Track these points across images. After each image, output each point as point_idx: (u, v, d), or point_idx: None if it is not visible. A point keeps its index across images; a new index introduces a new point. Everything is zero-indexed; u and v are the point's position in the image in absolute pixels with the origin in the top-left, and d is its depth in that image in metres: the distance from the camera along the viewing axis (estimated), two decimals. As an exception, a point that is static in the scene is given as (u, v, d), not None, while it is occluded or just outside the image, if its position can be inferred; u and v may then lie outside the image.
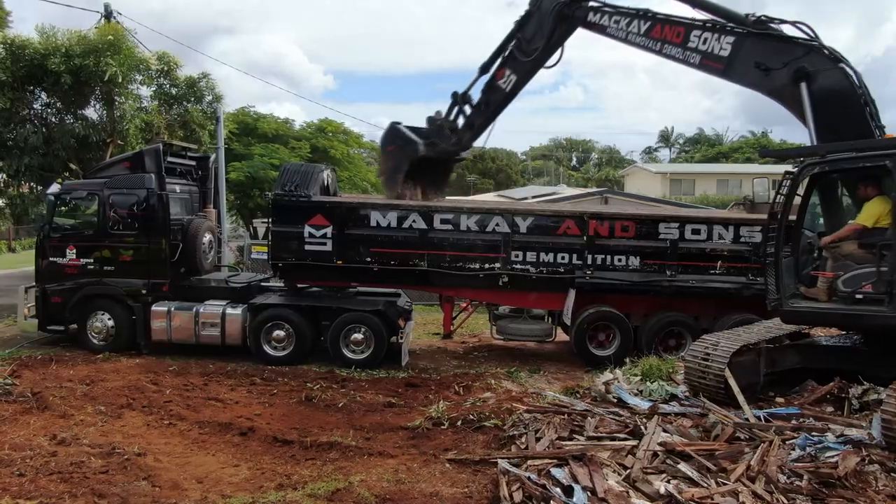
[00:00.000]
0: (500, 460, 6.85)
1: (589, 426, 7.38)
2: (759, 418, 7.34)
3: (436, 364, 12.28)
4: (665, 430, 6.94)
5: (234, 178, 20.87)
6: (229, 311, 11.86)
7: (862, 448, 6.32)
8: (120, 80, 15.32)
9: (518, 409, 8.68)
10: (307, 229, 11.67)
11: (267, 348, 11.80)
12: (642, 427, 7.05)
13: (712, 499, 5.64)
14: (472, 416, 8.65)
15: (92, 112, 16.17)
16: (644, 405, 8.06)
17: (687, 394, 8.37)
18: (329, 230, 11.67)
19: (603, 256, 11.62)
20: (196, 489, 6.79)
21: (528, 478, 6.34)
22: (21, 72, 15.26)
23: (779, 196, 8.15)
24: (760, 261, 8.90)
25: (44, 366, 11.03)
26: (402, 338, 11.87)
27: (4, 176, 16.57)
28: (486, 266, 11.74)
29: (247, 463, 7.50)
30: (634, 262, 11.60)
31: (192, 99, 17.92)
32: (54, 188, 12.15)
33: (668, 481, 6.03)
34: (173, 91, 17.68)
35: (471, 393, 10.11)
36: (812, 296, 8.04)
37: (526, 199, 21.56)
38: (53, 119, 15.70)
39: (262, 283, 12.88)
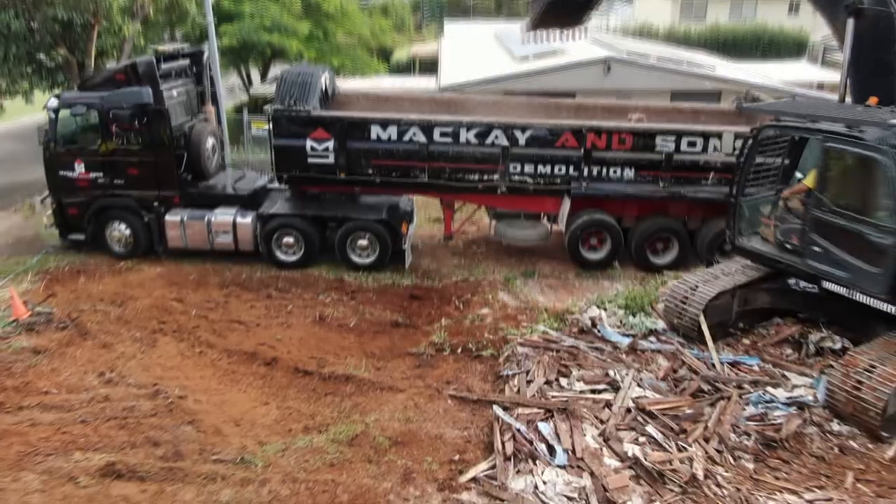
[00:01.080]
0: (494, 406, 7.96)
1: (574, 373, 8.39)
2: (724, 364, 8.34)
3: (437, 264, 13.12)
4: (639, 384, 7.94)
5: (227, 43, 20.02)
6: (240, 219, 12.42)
7: (806, 409, 7.35)
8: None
9: (512, 336, 9.68)
10: (309, 143, 11.83)
11: (278, 253, 12.56)
12: (619, 379, 8.04)
13: (671, 463, 6.75)
14: (470, 345, 9.66)
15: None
16: (625, 341, 9.02)
17: (665, 328, 9.31)
18: (331, 143, 11.83)
19: (599, 168, 11.90)
20: (235, 434, 7.93)
21: (518, 430, 7.44)
22: None
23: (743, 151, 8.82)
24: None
25: (73, 280, 11.89)
26: (405, 242, 12.58)
27: None
28: (485, 177, 12.08)
29: (275, 400, 8.62)
30: (629, 173, 11.91)
31: None
32: (52, 102, 12.01)
33: (637, 440, 7.14)
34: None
35: (469, 308, 11.07)
36: (765, 237, 8.83)
37: (527, 57, 20.87)
38: (32, 4, 14.82)
39: (268, 186, 13.27)
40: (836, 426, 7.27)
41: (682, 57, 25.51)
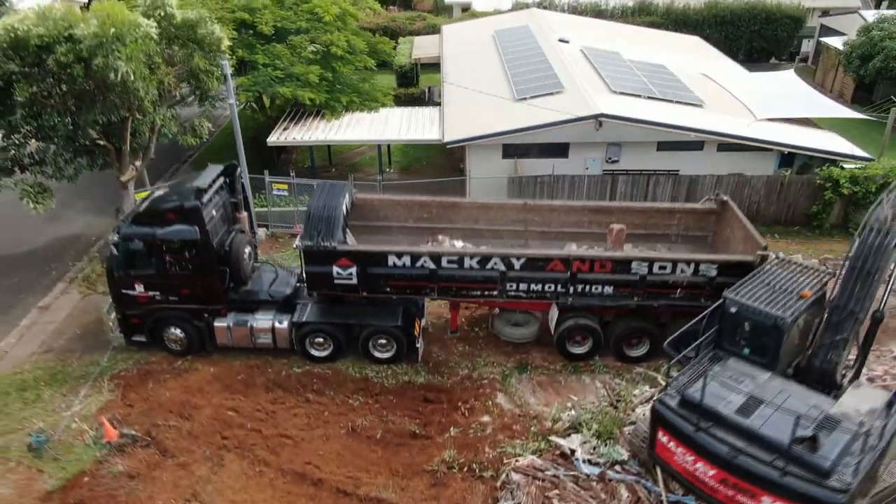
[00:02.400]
0: None
1: (558, 500, 10.86)
2: (669, 502, 10.78)
3: (445, 353, 15.37)
4: None
5: (245, 98, 21.29)
6: (277, 325, 14.61)
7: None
8: (132, 78, 15.55)
9: (508, 454, 12.13)
10: (335, 269, 13.84)
11: (311, 350, 14.80)
12: None
13: None
14: (474, 465, 12.10)
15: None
16: (595, 472, 11.45)
17: (628, 457, 11.70)
18: (354, 269, 13.84)
19: (583, 286, 13.93)
20: None
21: None
22: (31, 58, 15.43)
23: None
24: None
25: (143, 384, 14.20)
26: (418, 341, 14.79)
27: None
28: (486, 292, 14.17)
29: None
30: (609, 290, 13.96)
31: (193, 44, 17.92)
32: (114, 238, 13.89)
33: None
34: (174, 37, 17.65)
35: (473, 415, 13.44)
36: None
37: (525, 97, 22.23)
38: (73, 107, 16.20)
39: (298, 285, 15.25)
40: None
41: (656, 62, 26.62)
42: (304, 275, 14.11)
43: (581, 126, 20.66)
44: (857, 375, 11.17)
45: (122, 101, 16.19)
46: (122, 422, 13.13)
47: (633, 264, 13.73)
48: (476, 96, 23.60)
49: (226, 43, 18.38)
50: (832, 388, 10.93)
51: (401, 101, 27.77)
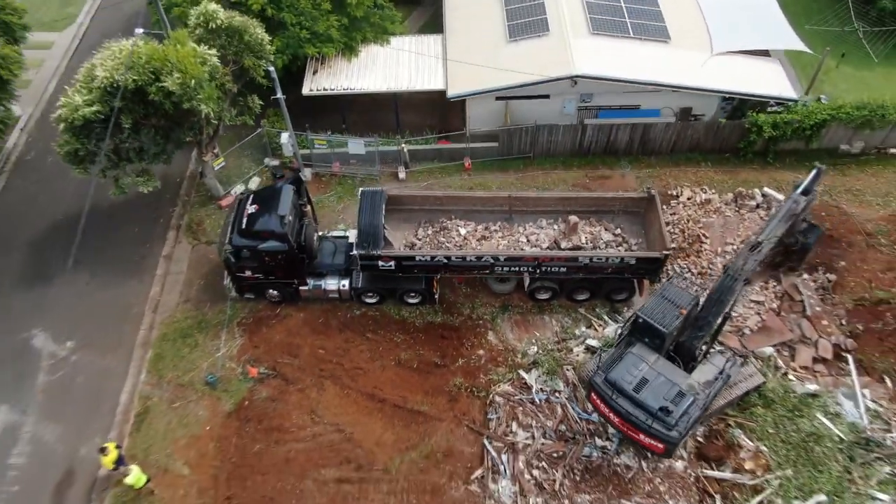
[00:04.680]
0: (484, 438, 19.07)
1: (519, 419, 19.24)
2: (582, 420, 19.09)
3: (454, 296, 22.61)
4: (544, 434, 18.87)
5: (281, 63, 24.76)
6: (341, 287, 21.71)
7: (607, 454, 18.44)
8: (212, 115, 19.85)
9: (495, 380, 20.21)
10: (380, 263, 20.50)
11: (365, 299, 22.10)
12: (536, 427, 18.96)
13: (554, 480, 18.15)
14: (473, 389, 20.23)
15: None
16: (543, 398, 19.64)
17: (563, 387, 19.76)
18: (392, 264, 20.52)
19: (547, 268, 20.67)
20: (379, 452, 19.22)
21: (493, 456, 18.76)
22: (129, 96, 19.69)
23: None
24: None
25: (259, 329, 21.78)
26: (435, 292, 21.97)
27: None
28: (481, 273, 21.00)
29: (391, 429, 19.68)
30: (563, 269, 20.72)
31: (239, 44, 21.66)
32: (228, 247, 20.10)
33: (538, 466, 18.44)
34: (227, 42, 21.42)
35: (472, 350, 21.22)
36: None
37: (517, 39, 25.83)
38: (165, 127, 20.78)
39: (352, 254, 21.76)
40: (623, 459, 18.45)
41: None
42: (359, 265, 20.85)
43: (561, 83, 25.08)
44: (705, 355, 18.59)
45: (203, 121, 21.20)
46: (256, 361, 21.09)
47: (579, 258, 20.40)
48: (475, 32, 27.14)
49: (269, 45, 22.36)
50: (693, 359, 18.43)
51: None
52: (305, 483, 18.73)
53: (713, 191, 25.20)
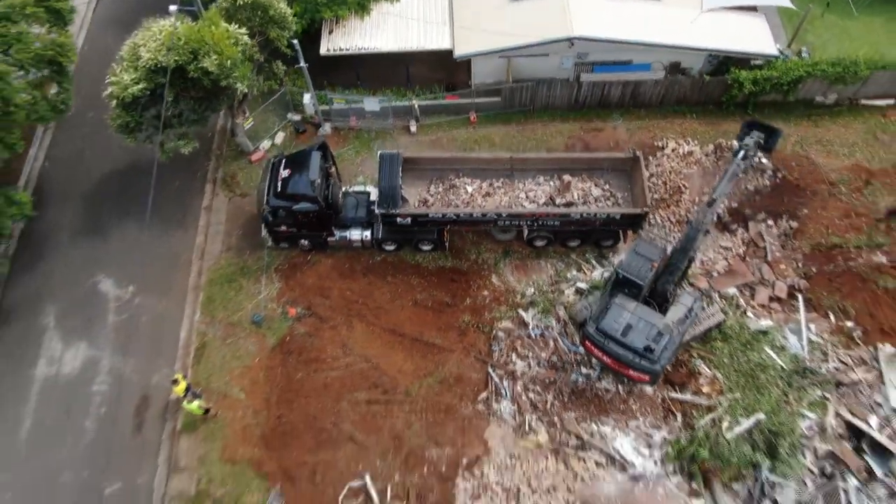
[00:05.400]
0: (489, 366, 22.87)
1: (518, 351, 22.96)
2: (571, 351, 22.78)
3: (461, 243, 25.75)
4: (538, 363, 22.63)
5: (300, 28, 26.44)
6: (364, 237, 24.87)
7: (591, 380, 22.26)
8: (246, 92, 22.02)
9: (497, 318, 23.76)
10: (398, 219, 23.54)
11: (385, 247, 25.31)
12: (530, 358, 22.70)
13: (546, 402, 22.08)
14: (479, 325, 23.80)
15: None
16: (538, 333, 23.26)
17: (555, 323, 23.33)
18: (408, 220, 23.57)
19: (543, 222, 23.72)
20: (401, 378, 23.10)
21: (496, 381, 22.63)
22: (182, 60, 21.88)
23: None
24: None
25: (294, 274, 25.13)
26: (446, 240, 25.12)
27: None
28: (486, 227, 24.08)
29: (411, 359, 23.46)
30: (556, 223, 23.78)
31: (264, 17, 23.60)
32: (266, 207, 23.04)
33: (534, 391, 22.32)
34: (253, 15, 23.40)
35: (479, 291, 24.62)
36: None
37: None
38: (203, 99, 23.08)
39: (372, 208, 24.72)
40: (604, 384, 22.28)
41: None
42: (381, 221, 23.95)
43: (559, 45, 27.05)
44: (674, 298, 21.94)
45: (236, 92, 23.65)
46: (293, 303, 24.59)
47: (571, 214, 23.41)
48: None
49: (291, 17, 24.37)
50: (665, 301, 21.81)
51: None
52: (341, 404, 22.71)
53: (696, 142, 27.78)
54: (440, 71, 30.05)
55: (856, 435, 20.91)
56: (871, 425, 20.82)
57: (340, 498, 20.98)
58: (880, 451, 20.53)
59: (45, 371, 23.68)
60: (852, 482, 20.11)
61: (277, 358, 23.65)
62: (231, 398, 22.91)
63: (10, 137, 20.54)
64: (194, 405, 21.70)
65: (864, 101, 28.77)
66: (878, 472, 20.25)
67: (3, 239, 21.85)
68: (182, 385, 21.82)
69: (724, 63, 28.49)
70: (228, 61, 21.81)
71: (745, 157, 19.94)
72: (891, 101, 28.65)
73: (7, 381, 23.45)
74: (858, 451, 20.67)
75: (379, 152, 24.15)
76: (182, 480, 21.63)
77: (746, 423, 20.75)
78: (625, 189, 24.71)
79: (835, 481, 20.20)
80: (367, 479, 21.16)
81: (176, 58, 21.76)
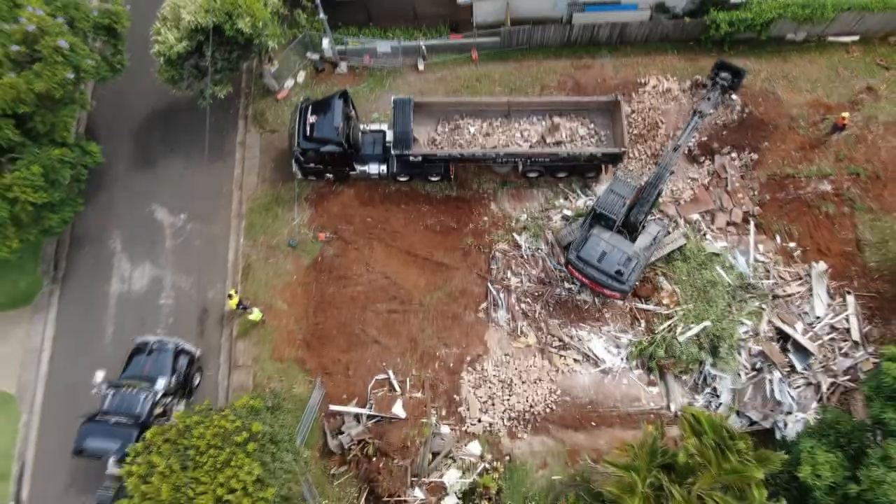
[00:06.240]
0: (488, 282, 27.54)
1: (512, 269, 27.53)
2: (555, 268, 27.31)
3: (465, 173, 29.54)
4: (528, 279, 27.25)
5: None
6: (382, 170, 28.71)
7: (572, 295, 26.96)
8: (275, 47, 24.85)
9: (496, 240, 28.14)
10: (410, 158, 27.28)
11: (399, 179, 29.22)
12: (522, 273, 27.31)
13: (534, 311, 26.93)
14: (480, 246, 28.18)
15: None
16: (529, 253, 27.72)
17: (543, 245, 27.71)
18: (420, 159, 27.31)
19: (534, 160, 27.48)
20: (416, 291, 27.89)
21: (494, 294, 27.41)
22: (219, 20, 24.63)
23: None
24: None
25: (321, 203, 29.18)
26: (452, 173, 28.96)
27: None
28: (487, 165, 27.80)
29: (423, 275, 28.12)
30: (546, 161, 27.56)
31: None
32: (297, 148, 26.61)
33: (526, 302, 27.10)
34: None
35: (479, 217, 28.78)
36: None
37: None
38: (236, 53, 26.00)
39: (387, 146, 28.37)
40: (582, 296, 27.02)
41: None
42: (395, 161, 27.74)
43: (553, -11, 29.59)
44: (643, 227, 26.13)
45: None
46: (322, 228, 28.84)
47: (559, 153, 27.12)
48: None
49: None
50: (635, 230, 26.05)
51: None
52: (366, 313, 27.60)
53: (675, 79, 30.89)
54: (444, 7, 32.56)
55: (783, 338, 25.92)
56: (797, 330, 25.77)
57: (369, 388, 26.35)
58: (802, 350, 25.60)
59: (119, 288, 28.47)
60: (776, 375, 25.32)
61: (312, 275, 28.29)
62: (276, 309, 27.78)
63: (81, 98, 23.96)
64: (256, 314, 26.60)
65: (830, 38, 31.55)
66: (799, 366, 25.42)
67: (81, 183, 25.72)
68: (235, 299, 26.62)
69: (704, 1, 30.99)
70: (260, 22, 24.80)
71: (701, 116, 23.50)
72: (855, 38, 31.46)
73: (89, 296, 28.31)
74: (784, 350, 25.76)
75: (392, 98, 27.60)
76: (241, 375, 26.97)
77: (696, 329, 25.67)
78: (608, 128, 28.30)
79: (762, 374, 25.41)
80: (390, 372, 26.45)
81: (213, 19, 24.73)
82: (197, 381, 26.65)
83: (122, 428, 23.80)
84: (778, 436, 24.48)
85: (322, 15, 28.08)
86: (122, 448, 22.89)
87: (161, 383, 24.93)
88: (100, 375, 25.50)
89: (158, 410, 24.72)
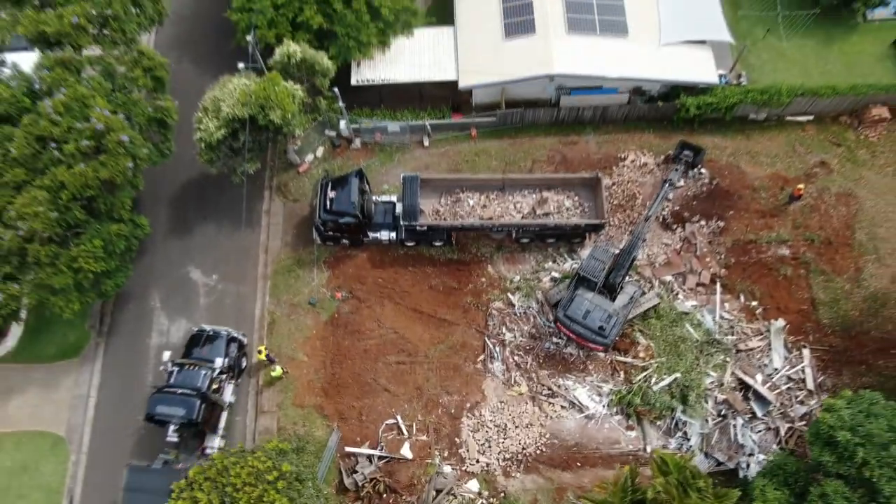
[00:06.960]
0: (485, 336, 31.13)
1: (507, 325, 31.14)
2: (546, 325, 30.92)
3: (465, 239, 33.37)
4: (521, 335, 30.83)
5: (335, 67, 32.91)
6: (391, 237, 32.56)
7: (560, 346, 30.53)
8: (301, 133, 29.02)
9: (493, 299, 31.82)
10: (417, 227, 31.15)
11: (406, 244, 33.03)
12: (515, 331, 30.90)
13: (527, 363, 30.47)
14: (479, 305, 31.86)
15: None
16: (521, 312, 31.36)
17: (534, 303, 31.36)
18: (426, 228, 31.19)
19: (524, 230, 31.34)
20: (421, 345, 31.48)
21: (490, 347, 30.97)
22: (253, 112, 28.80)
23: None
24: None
25: (338, 265, 32.99)
26: (454, 241, 32.79)
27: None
28: (483, 234, 31.68)
29: (428, 329, 31.77)
30: (535, 230, 31.40)
31: (310, 69, 30.39)
32: (318, 220, 30.53)
33: (520, 358, 30.64)
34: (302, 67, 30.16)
35: (478, 278, 32.50)
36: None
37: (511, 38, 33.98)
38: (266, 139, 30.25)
39: (397, 215, 32.24)
40: (569, 350, 30.56)
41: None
42: (403, 229, 31.58)
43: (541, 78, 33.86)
44: (621, 288, 29.82)
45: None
46: (339, 288, 32.56)
47: (547, 224, 30.99)
48: (479, 29, 35.05)
49: (332, 72, 31.14)
50: (614, 290, 29.72)
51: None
52: (378, 364, 31.15)
53: (650, 154, 34.92)
54: (447, 90, 36.82)
55: (745, 387, 29.37)
56: (757, 380, 29.24)
57: (380, 431, 29.75)
58: (762, 399, 29.01)
59: (158, 341, 32.11)
60: (739, 421, 28.70)
61: (329, 330, 31.92)
62: (297, 360, 31.35)
63: (136, 181, 27.93)
64: (278, 371, 30.16)
65: (788, 118, 35.67)
66: (759, 413, 28.83)
67: (132, 252, 29.56)
68: (263, 353, 30.20)
69: (675, 87, 35.18)
70: (289, 114, 28.94)
71: (671, 186, 27.34)
72: (810, 118, 35.58)
73: (131, 349, 31.94)
74: (746, 399, 29.18)
75: (402, 175, 31.65)
76: (266, 420, 30.43)
77: (668, 380, 29.16)
78: (591, 200, 32.23)
79: (727, 420, 28.79)
80: (399, 418, 29.88)
81: (249, 111, 28.87)
82: (244, 364, 31.25)
83: (187, 398, 28.26)
84: (741, 475, 27.79)
85: (341, 103, 32.29)
86: (188, 414, 27.92)
87: (219, 362, 29.66)
88: (167, 355, 30.33)
89: (214, 386, 29.30)
